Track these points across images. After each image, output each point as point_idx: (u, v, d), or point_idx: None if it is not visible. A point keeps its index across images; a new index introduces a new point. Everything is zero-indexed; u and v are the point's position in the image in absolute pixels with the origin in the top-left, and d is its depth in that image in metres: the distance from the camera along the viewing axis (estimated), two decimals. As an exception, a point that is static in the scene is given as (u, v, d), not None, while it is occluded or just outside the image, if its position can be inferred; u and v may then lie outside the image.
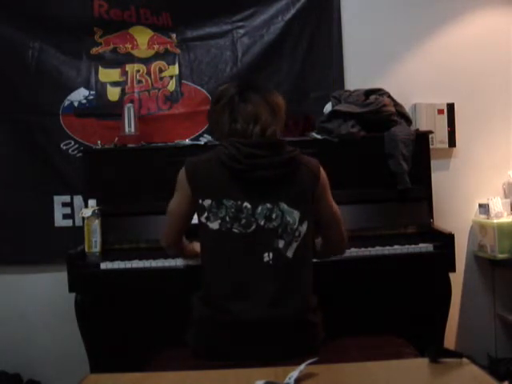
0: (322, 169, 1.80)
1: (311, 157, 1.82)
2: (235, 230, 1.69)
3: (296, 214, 1.71)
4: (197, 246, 2.02)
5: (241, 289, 1.67)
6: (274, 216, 1.70)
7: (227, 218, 1.69)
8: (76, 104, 2.86)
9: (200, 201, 1.72)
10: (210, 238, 1.72)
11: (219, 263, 1.72)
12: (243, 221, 1.69)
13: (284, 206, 1.70)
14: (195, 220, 2.26)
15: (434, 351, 1.33)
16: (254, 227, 1.69)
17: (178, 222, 1.88)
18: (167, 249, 2.02)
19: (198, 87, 2.91)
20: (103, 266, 2.25)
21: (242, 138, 1.73)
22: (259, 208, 1.69)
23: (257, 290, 1.66)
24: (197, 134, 2.86)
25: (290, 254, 1.70)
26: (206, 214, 1.71)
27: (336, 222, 1.85)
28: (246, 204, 1.69)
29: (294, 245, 1.70)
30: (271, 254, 1.68)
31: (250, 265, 1.68)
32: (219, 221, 1.69)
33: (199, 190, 1.74)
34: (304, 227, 1.72)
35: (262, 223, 1.69)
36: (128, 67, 2.90)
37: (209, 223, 1.71)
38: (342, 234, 1.89)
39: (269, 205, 1.70)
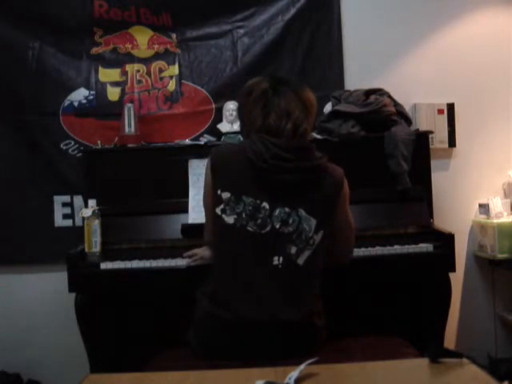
0: (345, 179, 1.78)
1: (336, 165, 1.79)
2: (249, 229, 1.67)
3: (313, 222, 1.69)
4: (200, 251, 2.05)
5: (247, 288, 1.66)
6: (290, 221, 1.68)
7: (243, 215, 1.67)
8: (76, 104, 2.86)
9: (219, 191, 1.70)
10: (223, 231, 1.71)
11: (228, 259, 1.70)
12: (259, 220, 1.67)
13: (302, 212, 1.69)
14: (200, 220, 2.27)
15: (434, 351, 1.33)
16: (268, 229, 1.67)
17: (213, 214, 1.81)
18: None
19: (198, 87, 2.91)
20: (103, 266, 2.25)
21: (274, 135, 1.70)
22: (277, 211, 1.68)
23: (262, 292, 1.65)
24: (197, 133, 2.86)
25: (300, 261, 1.68)
26: (222, 206, 1.69)
27: (349, 234, 1.85)
28: (264, 204, 1.67)
29: (307, 253, 1.68)
30: (281, 259, 1.67)
31: (258, 266, 1.67)
32: (235, 216, 1.67)
33: (220, 180, 1.71)
34: (319, 236, 1.70)
35: (278, 226, 1.67)
36: (128, 67, 2.90)
37: (224, 216, 1.68)
38: (351, 246, 1.88)
39: (287, 209, 1.68)
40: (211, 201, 1.75)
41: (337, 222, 1.78)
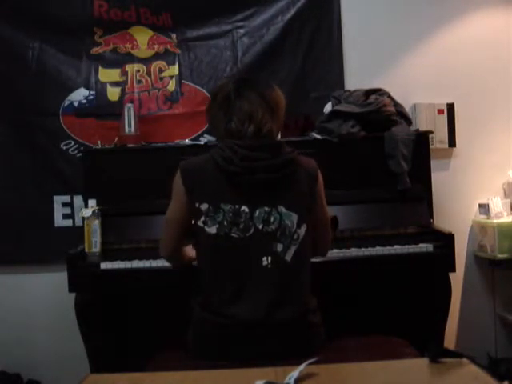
0: (319, 170, 1.77)
1: (310, 157, 1.79)
2: (233, 235, 1.66)
3: (294, 217, 1.69)
4: (189, 250, 1.99)
5: (240, 293, 1.66)
6: (272, 219, 1.67)
7: (225, 223, 1.66)
8: (76, 104, 2.86)
9: (197, 204, 1.69)
10: (208, 242, 1.70)
11: (218, 268, 1.70)
12: (241, 225, 1.66)
13: (282, 209, 1.68)
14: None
15: (434, 351, 1.33)
16: (252, 231, 1.67)
17: (178, 230, 1.80)
18: (168, 260, 1.94)
19: (198, 87, 2.91)
20: (103, 266, 2.26)
21: (238, 138, 1.70)
22: (257, 211, 1.67)
23: (256, 294, 1.65)
24: (197, 133, 2.86)
25: (288, 257, 1.68)
26: (202, 218, 1.68)
27: (325, 225, 1.84)
28: (243, 208, 1.67)
29: (293, 248, 1.68)
30: (270, 258, 1.66)
31: (249, 269, 1.67)
32: (217, 225, 1.66)
33: (195, 193, 1.70)
34: (302, 230, 1.70)
35: (261, 227, 1.67)
36: (128, 67, 2.90)
37: (206, 227, 1.68)
38: (329, 237, 1.88)
39: (267, 208, 1.67)
40: (188, 215, 1.73)
41: (316, 218, 1.76)
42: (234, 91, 1.74)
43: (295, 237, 1.69)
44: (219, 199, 1.67)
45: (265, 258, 1.66)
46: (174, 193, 1.76)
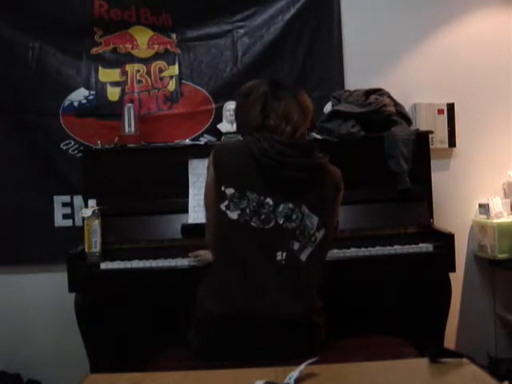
0: (342, 181, 1.81)
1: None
2: (253, 224, 1.68)
3: (315, 220, 1.71)
4: (202, 253, 2.04)
5: (248, 283, 1.66)
6: (294, 217, 1.70)
7: (247, 211, 1.68)
8: (76, 104, 2.87)
9: (222, 188, 1.71)
10: (227, 227, 1.71)
11: (231, 254, 1.71)
12: (263, 216, 1.68)
13: (305, 209, 1.71)
14: (200, 220, 2.28)
15: (434, 351, 1.33)
16: (272, 224, 1.69)
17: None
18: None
19: (198, 87, 2.91)
20: (103, 266, 2.26)
21: (274, 134, 1.74)
22: (281, 206, 1.69)
23: (265, 287, 1.66)
24: (197, 133, 2.86)
25: (303, 257, 1.69)
26: (226, 203, 1.70)
27: (334, 223, 1.86)
28: (268, 200, 1.69)
29: (309, 249, 1.70)
30: (284, 254, 1.68)
31: (262, 261, 1.67)
32: (239, 211, 1.69)
33: (224, 176, 1.73)
34: (321, 234, 1.72)
35: (281, 222, 1.69)
36: (128, 67, 2.91)
37: (228, 212, 1.69)
38: (333, 235, 1.90)
39: (291, 205, 1.70)
40: (213, 198, 1.75)
41: (330, 220, 1.79)
42: (270, 91, 1.79)
43: (313, 239, 1.71)
44: (246, 187, 1.70)
45: (279, 253, 1.68)
46: (208, 177, 1.80)
